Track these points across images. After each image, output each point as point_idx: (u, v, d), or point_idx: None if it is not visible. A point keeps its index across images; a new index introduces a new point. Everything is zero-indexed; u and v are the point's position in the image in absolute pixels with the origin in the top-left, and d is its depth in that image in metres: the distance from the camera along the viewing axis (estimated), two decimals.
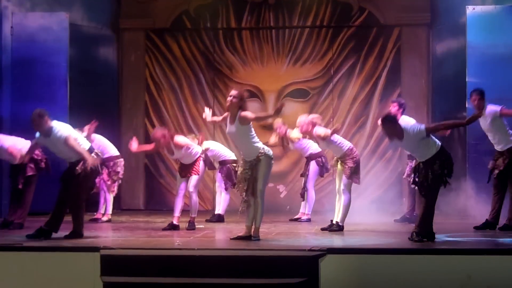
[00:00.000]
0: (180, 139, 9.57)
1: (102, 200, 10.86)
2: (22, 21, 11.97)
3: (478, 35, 11.45)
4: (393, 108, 10.07)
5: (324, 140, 9.43)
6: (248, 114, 8.01)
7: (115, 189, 10.89)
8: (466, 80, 11.43)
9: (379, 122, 8.28)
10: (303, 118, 9.80)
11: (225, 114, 8.26)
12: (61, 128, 8.42)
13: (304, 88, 13.59)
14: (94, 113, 12.30)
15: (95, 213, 10.90)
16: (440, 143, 8.12)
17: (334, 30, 13.63)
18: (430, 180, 7.96)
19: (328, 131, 9.40)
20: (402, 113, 10.02)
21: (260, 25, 13.76)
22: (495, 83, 11.19)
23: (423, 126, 8.01)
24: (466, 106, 11.36)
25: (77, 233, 8.44)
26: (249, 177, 8.12)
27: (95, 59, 13.25)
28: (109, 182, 10.74)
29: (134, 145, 9.65)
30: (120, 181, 10.97)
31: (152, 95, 13.90)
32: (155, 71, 13.91)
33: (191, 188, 9.62)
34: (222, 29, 13.84)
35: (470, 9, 11.56)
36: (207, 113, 8.62)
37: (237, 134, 8.12)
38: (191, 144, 9.69)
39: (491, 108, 9.39)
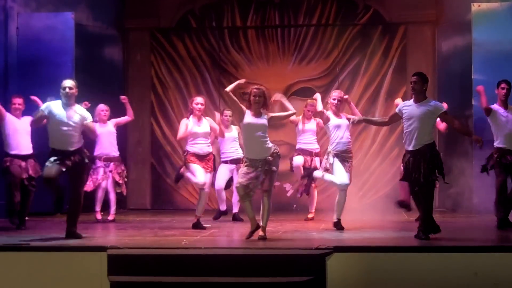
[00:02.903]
0: None
1: (100, 198, 10.82)
2: (28, 22, 11.98)
3: (484, 32, 11.44)
4: None
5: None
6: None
7: (120, 188, 10.87)
8: (472, 77, 11.41)
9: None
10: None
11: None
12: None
13: (310, 86, 13.54)
14: None
15: (101, 213, 10.89)
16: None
17: (339, 28, 13.61)
18: (423, 174, 7.91)
19: None
20: None
21: (265, 23, 13.76)
22: None
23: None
24: (472, 103, 11.34)
25: (71, 233, 8.31)
26: (262, 177, 8.20)
27: (101, 58, 13.24)
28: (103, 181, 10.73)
29: None
30: (120, 183, 10.86)
31: (158, 94, 13.91)
32: (160, 70, 13.91)
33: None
34: (227, 28, 13.84)
35: (475, 6, 11.55)
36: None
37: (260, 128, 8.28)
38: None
39: None
